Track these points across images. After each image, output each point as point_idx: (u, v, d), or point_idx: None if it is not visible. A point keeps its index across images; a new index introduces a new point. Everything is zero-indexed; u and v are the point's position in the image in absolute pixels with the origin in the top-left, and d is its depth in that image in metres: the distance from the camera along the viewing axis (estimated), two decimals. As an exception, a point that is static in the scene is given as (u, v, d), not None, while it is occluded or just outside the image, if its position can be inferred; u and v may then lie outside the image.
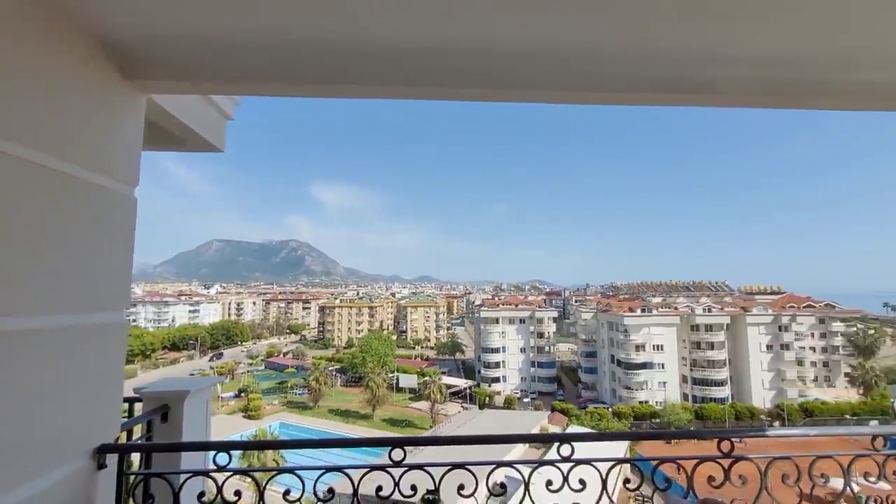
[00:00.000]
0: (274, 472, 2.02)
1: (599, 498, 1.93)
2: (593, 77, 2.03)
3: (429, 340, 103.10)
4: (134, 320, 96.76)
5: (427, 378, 55.83)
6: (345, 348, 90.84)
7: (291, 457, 30.83)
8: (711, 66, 1.98)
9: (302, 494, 1.87)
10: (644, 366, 56.08)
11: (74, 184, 1.72)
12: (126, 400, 2.36)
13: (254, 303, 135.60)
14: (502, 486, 1.96)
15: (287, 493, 1.86)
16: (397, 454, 1.91)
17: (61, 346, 1.66)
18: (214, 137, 2.89)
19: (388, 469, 1.92)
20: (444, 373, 66.29)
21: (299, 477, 1.94)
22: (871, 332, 63.47)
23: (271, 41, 1.82)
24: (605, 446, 16.94)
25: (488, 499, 2.05)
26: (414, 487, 1.89)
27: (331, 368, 66.94)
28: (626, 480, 2.07)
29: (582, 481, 1.91)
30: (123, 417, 2.15)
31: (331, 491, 1.88)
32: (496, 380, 65.35)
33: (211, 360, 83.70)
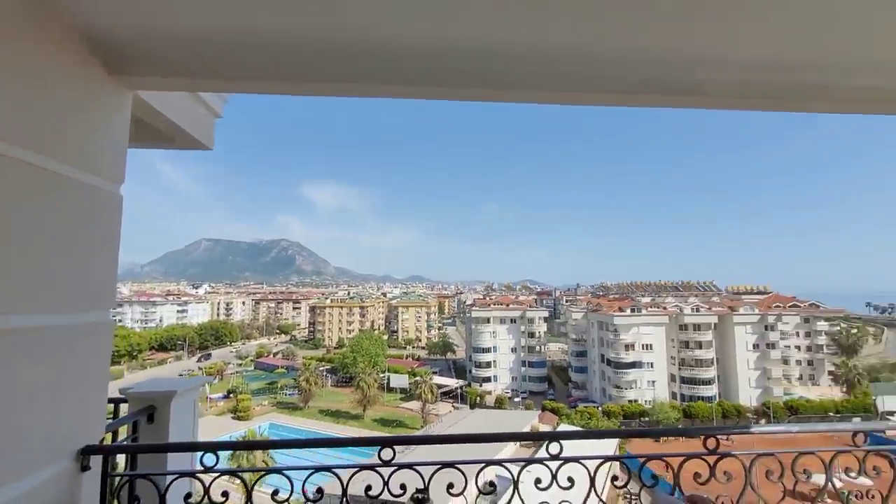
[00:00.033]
0: (262, 473, 2.01)
1: (588, 495, 1.95)
2: (585, 78, 2.05)
3: (420, 340, 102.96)
4: (120, 320, 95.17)
5: (418, 378, 55.71)
6: (335, 348, 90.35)
7: (281, 458, 30.64)
8: (702, 68, 2.00)
9: (290, 495, 1.86)
10: (633, 365, 56.57)
11: (58, 181, 1.69)
12: (111, 401, 2.33)
13: (243, 303, 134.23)
14: (491, 484, 1.97)
15: (275, 493, 1.85)
16: (387, 453, 1.91)
17: (44, 347, 1.64)
18: (203, 135, 2.86)
19: (378, 469, 1.92)
20: (435, 373, 66.16)
21: (287, 477, 1.94)
22: (854, 331, 64.87)
23: (263, 38, 1.80)
24: (593, 444, 17.15)
25: (478, 497, 2.06)
26: (403, 487, 1.89)
27: (321, 369, 66.45)
28: (615, 478, 2.09)
29: (570, 479, 1.93)
30: (109, 419, 2.12)
31: (319, 491, 1.88)
32: (487, 379, 65.45)
33: (199, 360, 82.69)
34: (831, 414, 47.53)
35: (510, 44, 1.82)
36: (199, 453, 1.94)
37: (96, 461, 1.83)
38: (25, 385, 1.55)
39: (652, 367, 57.42)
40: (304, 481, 1.89)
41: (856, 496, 2.17)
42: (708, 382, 54.86)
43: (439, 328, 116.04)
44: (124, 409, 2.37)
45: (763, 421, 47.80)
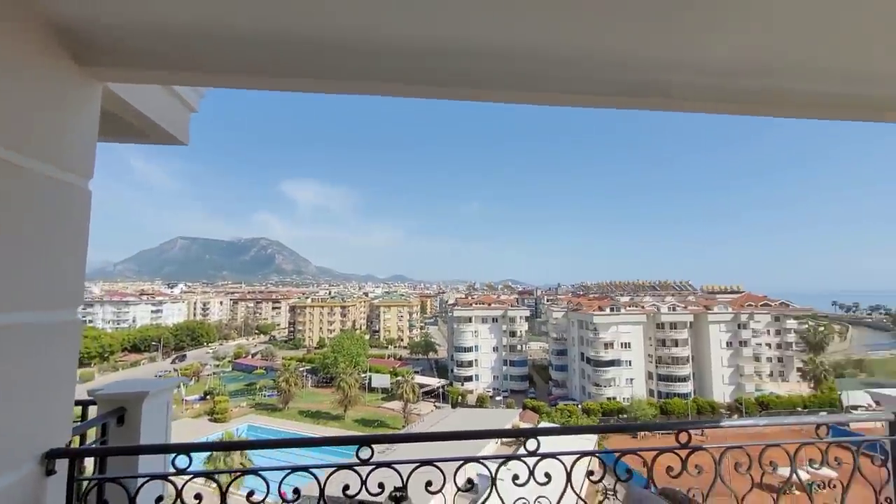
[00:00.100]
0: (237, 475, 1.97)
1: (564, 490, 1.98)
2: (556, 79, 2.07)
3: (402, 340, 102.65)
4: (91, 321, 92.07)
5: (400, 378, 55.60)
6: (316, 348, 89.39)
7: (259, 460, 30.09)
8: (666, 71, 2.05)
9: (266, 496, 1.84)
10: (612, 363, 57.65)
11: (23, 174, 1.63)
12: (79, 403, 2.26)
13: (221, 302, 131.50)
14: (470, 482, 1.98)
15: (250, 494, 1.82)
16: (365, 452, 1.90)
17: (7, 346, 1.57)
18: (178, 130, 2.78)
19: (356, 468, 1.90)
20: (417, 372, 66.11)
21: (263, 478, 1.90)
22: (822, 329, 67.46)
23: (241, 32, 1.77)
24: (571, 440, 17.42)
25: (456, 495, 2.06)
26: (381, 486, 1.89)
27: (301, 369, 65.66)
28: (590, 473, 2.13)
29: (547, 475, 1.96)
30: (77, 422, 2.05)
31: (296, 492, 1.86)
32: (469, 378, 65.75)
33: (174, 361, 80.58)
34: (799, 409, 49.33)
35: (486, 44, 1.83)
36: (172, 455, 1.89)
37: (62, 465, 1.76)
38: (-15, 387, 1.48)
39: (630, 364, 58.66)
40: (281, 482, 1.86)
41: (818, 486, 2.27)
42: (684, 380, 56.34)
43: (421, 328, 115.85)
44: (93, 411, 2.30)
45: (735, 416, 49.31)
